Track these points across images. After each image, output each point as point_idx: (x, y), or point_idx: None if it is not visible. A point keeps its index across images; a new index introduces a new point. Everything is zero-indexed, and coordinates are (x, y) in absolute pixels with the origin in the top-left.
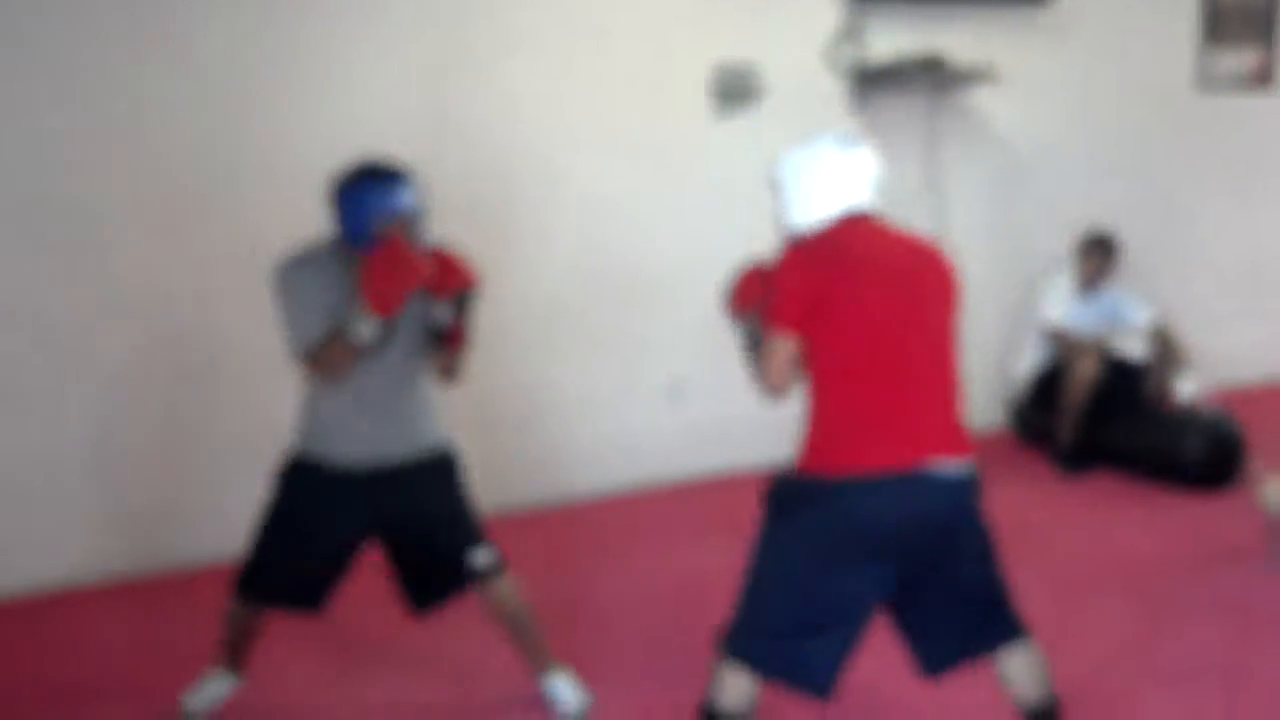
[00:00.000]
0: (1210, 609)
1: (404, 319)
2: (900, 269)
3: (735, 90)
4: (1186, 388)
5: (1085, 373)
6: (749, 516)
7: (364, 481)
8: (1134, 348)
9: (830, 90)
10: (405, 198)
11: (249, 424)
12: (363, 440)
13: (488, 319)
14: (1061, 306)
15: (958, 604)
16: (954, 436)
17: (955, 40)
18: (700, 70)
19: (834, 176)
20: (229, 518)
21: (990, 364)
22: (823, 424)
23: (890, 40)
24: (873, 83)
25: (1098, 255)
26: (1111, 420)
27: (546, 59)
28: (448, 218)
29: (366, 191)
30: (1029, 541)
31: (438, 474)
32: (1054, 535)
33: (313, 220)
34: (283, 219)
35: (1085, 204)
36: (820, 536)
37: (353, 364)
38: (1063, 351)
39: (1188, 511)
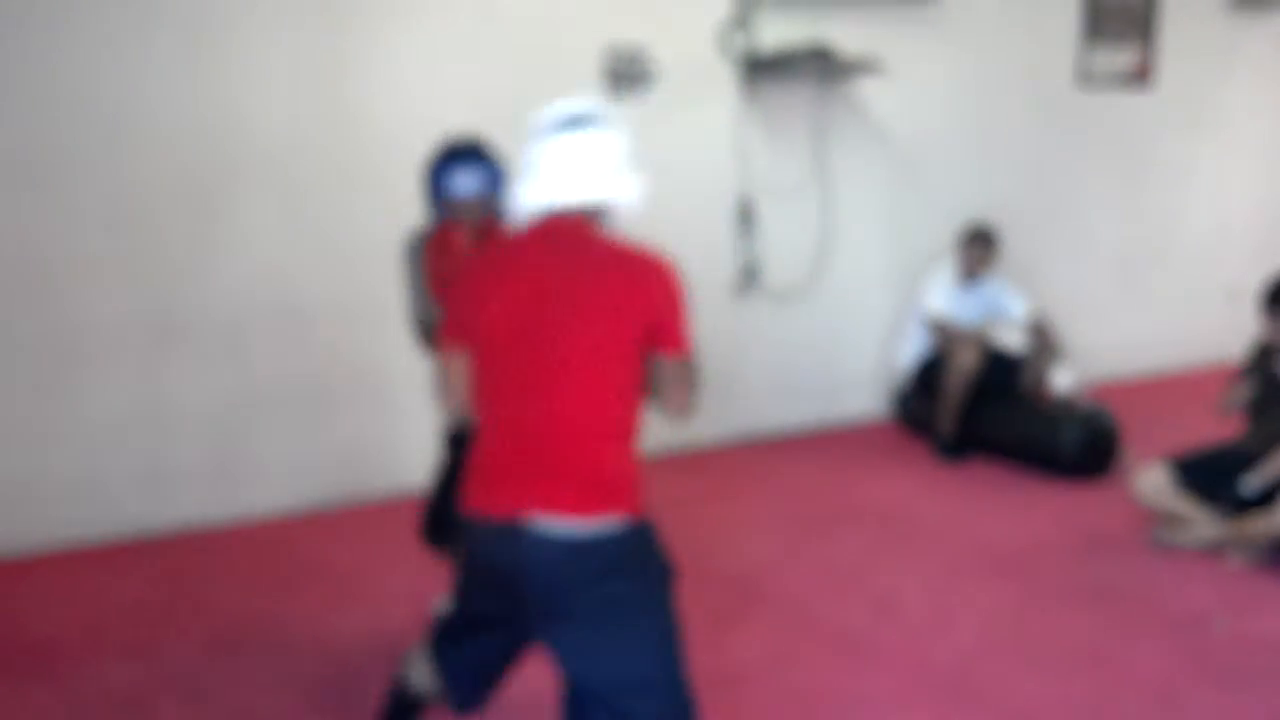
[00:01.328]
0: (1083, 595)
1: None
2: (563, 286)
3: (627, 73)
4: (1063, 380)
5: (965, 363)
6: None
7: None
8: (1012, 339)
9: (721, 77)
10: (464, 181)
11: None
12: None
13: (376, 300)
14: (943, 297)
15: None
16: (578, 489)
17: (843, 31)
18: (591, 52)
19: (550, 162)
20: None
21: (874, 353)
22: (473, 451)
23: (780, 30)
24: (762, 71)
25: (978, 247)
26: (990, 410)
27: (432, 38)
28: (335, 200)
29: (437, 174)
30: (908, 528)
31: None
32: (932, 522)
33: (188, 193)
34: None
35: (968, 196)
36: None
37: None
38: (943, 342)
39: (1063, 500)
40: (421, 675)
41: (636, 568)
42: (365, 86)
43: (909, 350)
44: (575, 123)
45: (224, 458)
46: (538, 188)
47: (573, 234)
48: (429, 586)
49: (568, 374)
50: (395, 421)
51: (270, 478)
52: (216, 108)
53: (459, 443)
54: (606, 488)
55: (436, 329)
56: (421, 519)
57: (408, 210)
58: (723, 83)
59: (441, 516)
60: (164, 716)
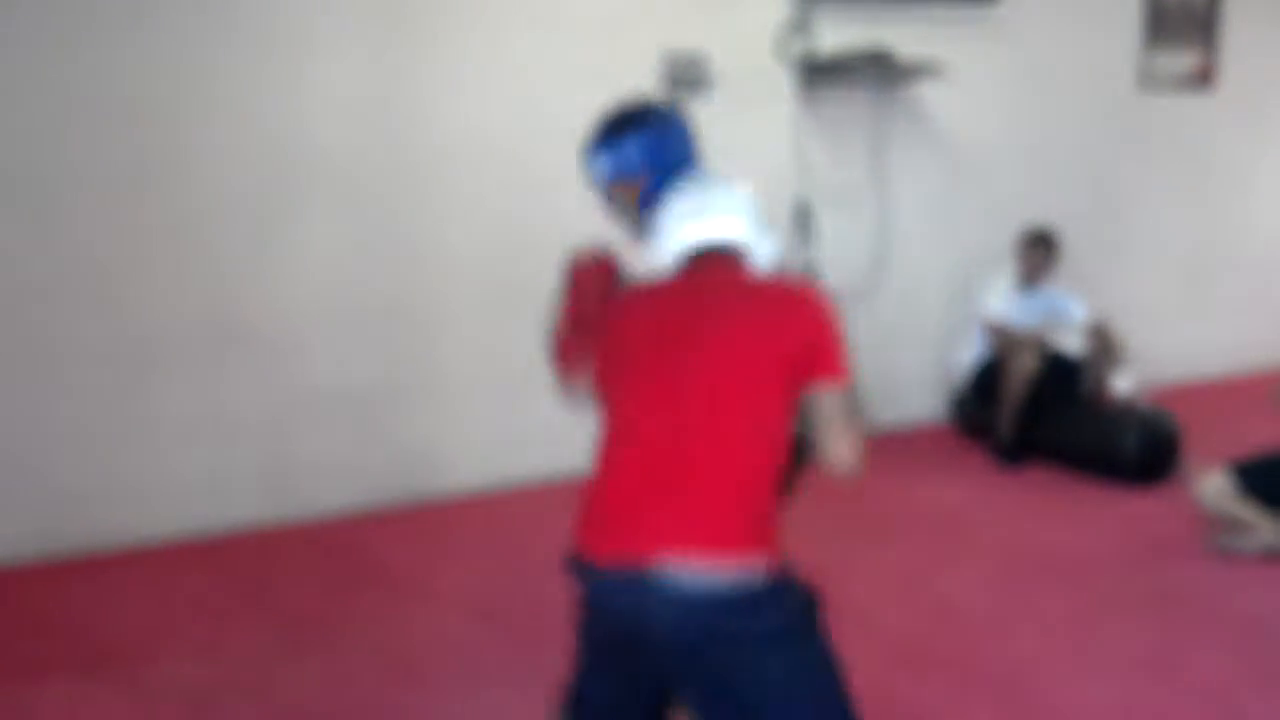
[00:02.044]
0: (1144, 601)
1: None
2: (705, 314)
3: (685, 78)
4: (1123, 384)
5: (1024, 367)
6: None
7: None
8: (1072, 343)
9: (779, 81)
10: (606, 162)
11: None
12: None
13: (435, 300)
14: (1002, 301)
15: None
16: (718, 530)
17: (902, 35)
18: (650, 58)
19: (684, 213)
20: None
21: (932, 357)
22: (587, 489)
23: (838, 33)
24: (820, 75)
25: (1038, 251)
26: (1050, 415)
27: (495, 44)
28: (395, 206)
29: (588, 158)
30: (967, 533)
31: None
32: (992, 527)
33: (257, 207)
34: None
35: (1028, 200)
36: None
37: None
38: (1002, 346)
39: (1124, 506)
40: None
41: (780, 624)
42: (424, 95)
43: (967, 354)
44: (716, 184)
45: (284, 459)
46: (672, 235)
47: (714, 267)
48: (487, 588)
49: (710, 404)
50: (452, 425)
51: (329, 479)
52: (278, 119)
53: None
54: (752, 537)
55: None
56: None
57: (466, 217)
58: (781, 87)
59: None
60: (227, 714)
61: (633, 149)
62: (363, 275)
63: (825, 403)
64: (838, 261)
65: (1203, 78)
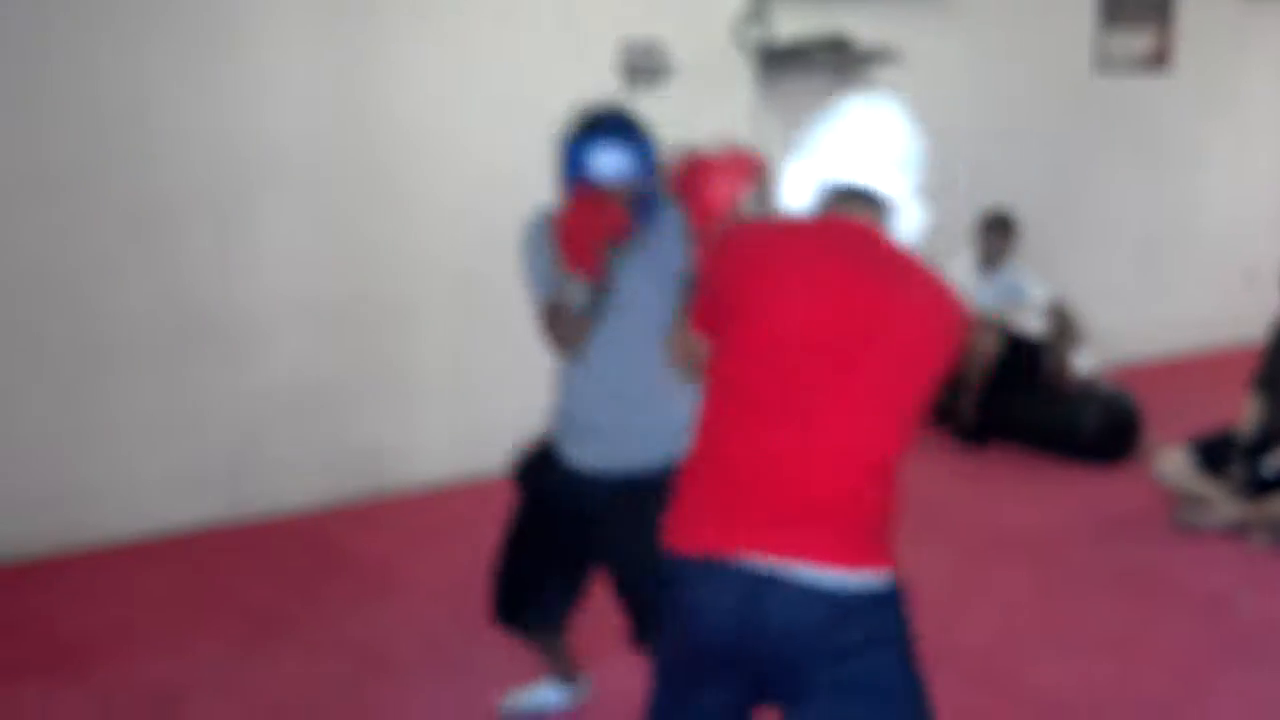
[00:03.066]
0: (1108, 578)
1: (625, 288)
2: (867, 295)
3: (644, 67)
4: (1083, 363)
5: (984, 349)
6: None
7: (586, 487)
8: (1032, 324)
9: (737, 69)
10: (610, 160)
11: None
12: (583, 442)
13: (396, 294)
14: (962, 283)
15: None
16: (847, 536)
17: (860, 22)
18: (608, 47)
19: (841, 136)
20: None
21: None
22: (687, 470)
23: (796, 21)
24: (779, 62)
25: (997, 234)
26: (1011, 395)
27: (453, 36)
28: (356, 201)
29: (575, 150)
30: (929, 514)
31: (647, 502)
32: (955, 508)
33: (218, 203)
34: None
35: (987, 183)
36: (666, 642)
37: (579, 334)
38: None
39: (1085, 484)
40: None
41: (896, 636)
42: (383, 88)
43: None
44: (879, 101)
45: (249, 456)
46: (821, 163)
47: (864, 235)
48: (459, 580)
49: (860, 401)
50: (417, 418)
51: (294, 474)
52: (237, 111)
53: (533, 473)
54: (874, 536)
55: (570, 312)
56: (494, 591)
57: (426, 210)
58: (739, 75)
59: (518, 585)
60: (197, 712)
61: (641, 151)
62: (325, 271)
63: None
64: None
65: (1158, 59)
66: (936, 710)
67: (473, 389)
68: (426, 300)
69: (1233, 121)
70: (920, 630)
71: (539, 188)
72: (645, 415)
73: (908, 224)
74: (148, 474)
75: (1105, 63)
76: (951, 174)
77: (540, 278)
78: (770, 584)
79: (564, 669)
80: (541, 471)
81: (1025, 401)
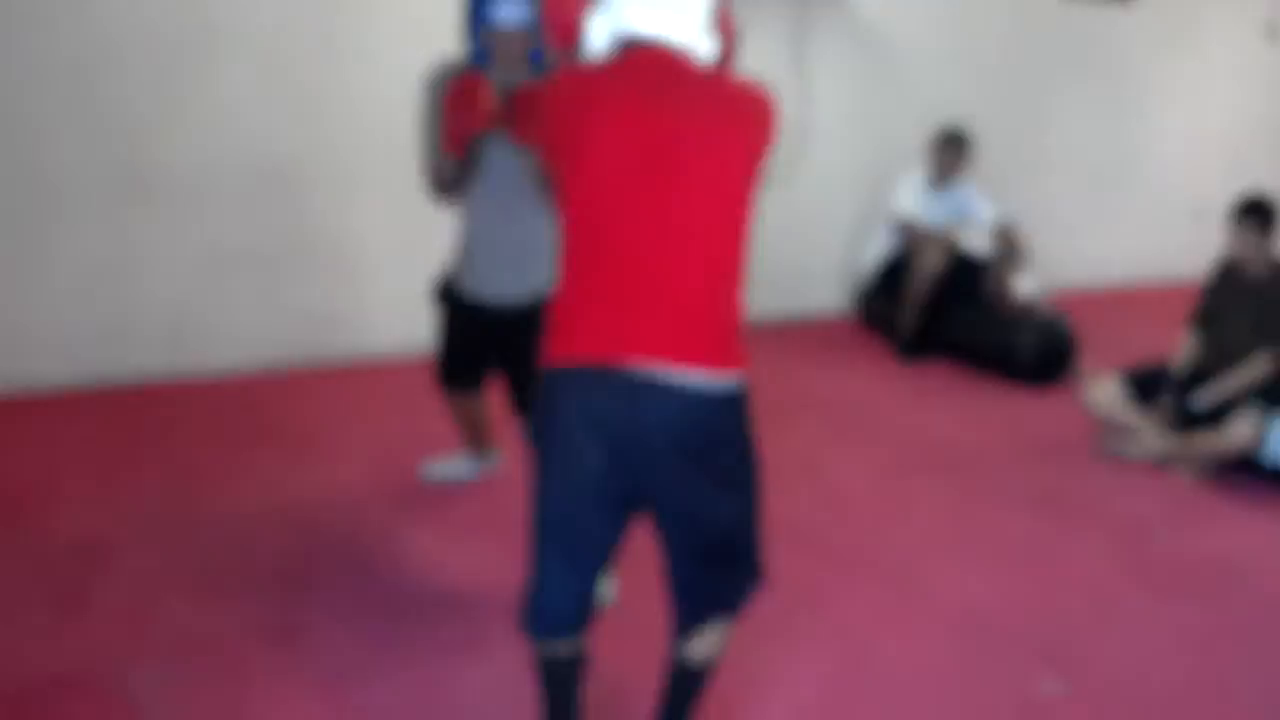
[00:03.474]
0: (1029, 498)
1: (497, 160)
2: (682, 115)
3: None
4: (1026, 285)
5: (930, 265)
6: None
7: (488, 310)
8: (979, 244)
9: None
10: (508, 9)
11: None
12: (481, 278)
13: (346, 160)
14: (912, 199)
15: (690, 553)
16: (711, 340)
17: None
18: None
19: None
20: None
21: (840, 250)
22: (558, 293)
23: None
24: None
25: (950, 150)
26: (952, 313)
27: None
28: (308, 64)
29: (474, 4)
30: (861, 423)
31: (533, 322)
32: (886, 419)
33: (166, 56)
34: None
35: (944, 99)
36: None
37: (450, 194)
38: (910, 243)
39: (1016, 405)
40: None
41: (746, 432)
42: (389, 38)
43: (875, 249)
44: None
45: (188, 315)
46: (615, 17)
47: (671, 64)
48: (386, 447)
49: (697, 209)
50: (361, 287)
51: (233, 337)
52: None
53: (443, 297)
54: (733, 339)
55: (445, 179)
56: (437, 368)
57: (389, 81)
58: None
59: (456, 364)
60: (121, 561)
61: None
62: (273, 132)
63: None
64: None
65: None
66: (858, 613)
67: (422, 259)
68: (376, 167)
69: (1193, 60)
70: (843, 534)
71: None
72: (524, 255)
73: (701, 56)
74: (84, 324)
75: None
76: (911, 90)
77: (426, 138)
78: (647, 388)
79: (481, 440)
80: (453, 297)
81: (965, 319)
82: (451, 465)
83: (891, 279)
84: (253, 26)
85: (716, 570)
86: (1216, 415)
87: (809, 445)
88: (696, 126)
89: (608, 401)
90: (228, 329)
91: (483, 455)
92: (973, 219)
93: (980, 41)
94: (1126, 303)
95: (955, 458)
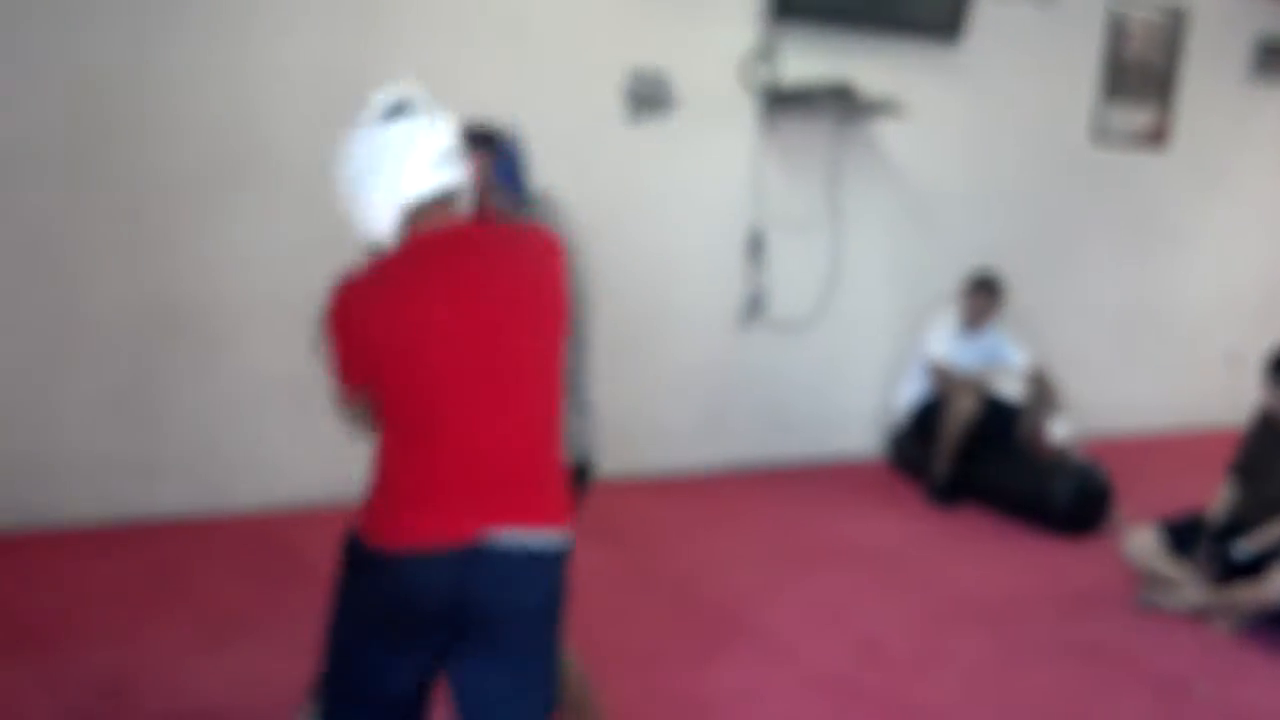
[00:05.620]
0: (1066, 651)
1: None
2: (482, 286)
3: (648, 97)
4: (1060, 431)
5: (963, 409)
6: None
7: None
8: (1011, 389)
9: (741, 107)
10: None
11: None
12: None
13: None
14: (945, 342)
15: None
16: (542, 499)
17: (865, 69)
18: (614, 72)
19: (391, 154)
20: None
21: (873, 392)
22: (382, 481)
23: (803, 64)
24: (783, 104)
25: (982, 296)
26: (985, 458)
27: (453, 48)
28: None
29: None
30: (894, 571)
31: None
32: (919, 567)
33: (199, 185)
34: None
35: (977, 243)
36: (370, 608)
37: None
38: (943, 387)
39: (1052, 554)
40: None
41: (563, 591)
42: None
43: (907, 392)
44: (401, 110)
45: (216, 449)
46: (391, 184)
47: (462, 236)
48: None
49: (530, 370)
50: None
51: (262, 472)
52: (231, 103)
53: None
54: (559, 495)
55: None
56: None
57: None
58: (742, 113)
59: None
60: (142, 704)
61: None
62: (306, 264)
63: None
64: (787, 291)
65: (1156, 136)
66: None
67: None
68: None
69: (1225, 203)
70: (875, 686)
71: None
72: None
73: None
74: (113, 458)
75: (1103, 135)
76: (943, 230)
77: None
78: (481, 552)
79: None
80: None
81: (999, 465)
82: None
83: (924, 422)
84: (286, 165)
85: None
86: (1257, 566)
87: (839, 591)
88: (511, 301)
89: (430, 582)
90: (256, 465)
91: None
92: (1005, 364)
93: (1012, 182)
94: (1160, 449)
95: (990, 607)
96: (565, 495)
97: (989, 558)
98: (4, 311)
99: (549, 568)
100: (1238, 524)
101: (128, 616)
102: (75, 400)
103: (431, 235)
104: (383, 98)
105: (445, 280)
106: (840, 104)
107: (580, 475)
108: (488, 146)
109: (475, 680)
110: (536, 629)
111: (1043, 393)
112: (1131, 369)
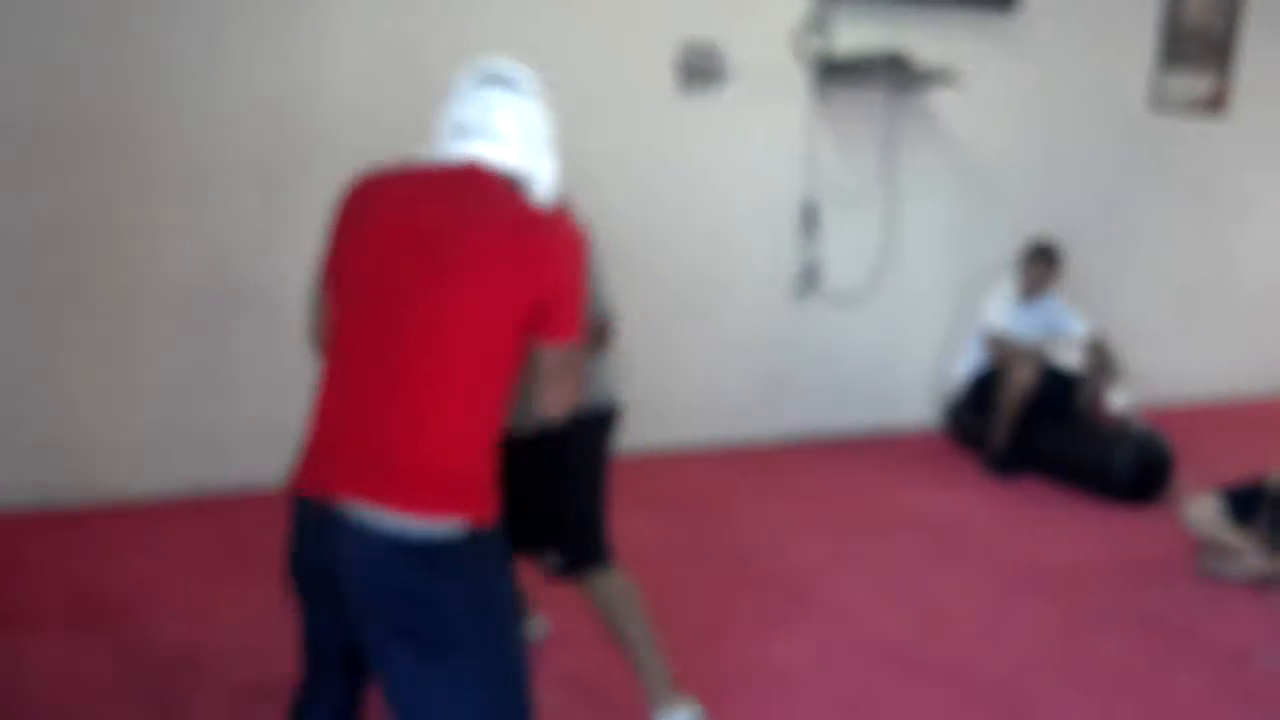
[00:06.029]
0: (1129, 620)
1: None
2: (437, 234)
3: (700, 69)
4: (1119, 401)
5: (1022, 379)
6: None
7: None
8: (1070, 358)
9: (794, 78)
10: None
11: None
12: None
13: None
14: (1003, 312)
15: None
16: (412, 480)
17: (919, 40)
18: (667, 45)
19: (468, 116)
20: None
21: (930, 363)
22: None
23: (855, 33)
24: (836, 75)
25: (1041, 265)
26: (1044, 427)
27: (506, 22)
28: None
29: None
30: (956, 540)
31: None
32: (980, 536)
33: (261, 164)
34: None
35: (1034, 212)
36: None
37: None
38: (1001, 357)
39: (1113, 523)
40: None
41: (469, 583)
42: (441, 67)
43: (965, 363)
44: (499, 81)
45: (283, 422)
46: (449, 139)
47: (469, 181)
48: None
49: (425, 340)
50: None
51: None
52: (292, 84)
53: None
54: (447, 483)
55: None
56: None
57: None
58: (795, 84)
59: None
60: (217, 674)
61: None
62: None
63: (550, 358)
64: (842, 263)
65: (1215, 102)
66: None
67: None
68: None
69: None
70: (940, 655)
71: (595, 176)
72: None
73: (542, 185)
74: (185, 432)
75: (1162, 102)
76: (999, 200)
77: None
78: (339, 524)
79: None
80: None
81: (1058, 435)
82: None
83: (982, 393)
84: (348, 143)
85: None
86: None
87: (902, 561)
88: (449, 243)
89: (307, 537)
90: None
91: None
92: (1064, 333)
93: (1069, 151)
94: (1220, 417)
95: (1051, 577)
96: (465, 490)
97: (1049, 528)
98: (73, 293)
99: (406, 558)
100: None
101: (201, 589)
102: (145, 378)
103: (443, 169)
104: (488, 64)
105: (408, 209)
106: (893, 74)
107: (603, 419)
108: None
109: (375, 666)
110: (397, 622)
111: (1102, 361)
112: (1192, 337)
